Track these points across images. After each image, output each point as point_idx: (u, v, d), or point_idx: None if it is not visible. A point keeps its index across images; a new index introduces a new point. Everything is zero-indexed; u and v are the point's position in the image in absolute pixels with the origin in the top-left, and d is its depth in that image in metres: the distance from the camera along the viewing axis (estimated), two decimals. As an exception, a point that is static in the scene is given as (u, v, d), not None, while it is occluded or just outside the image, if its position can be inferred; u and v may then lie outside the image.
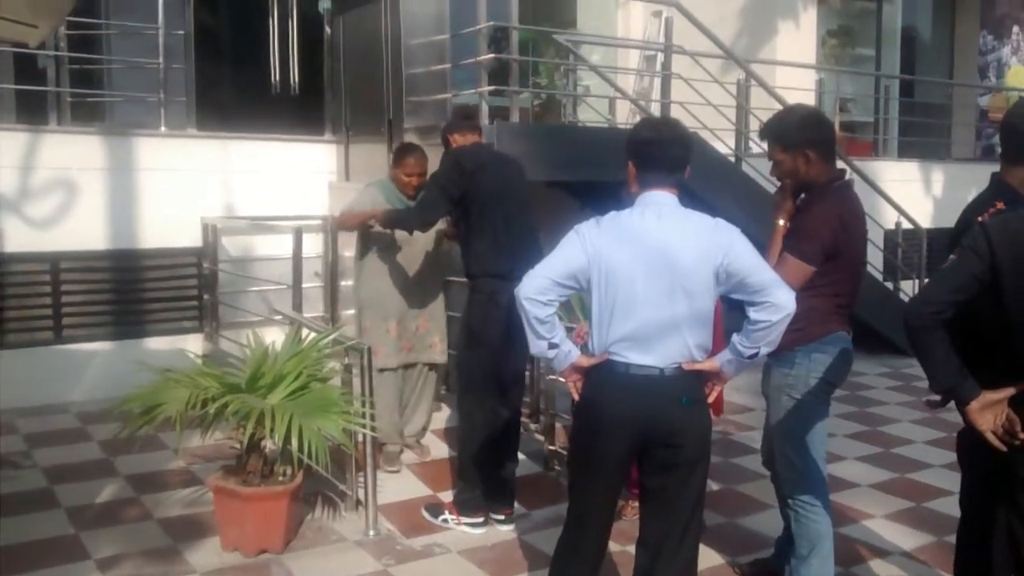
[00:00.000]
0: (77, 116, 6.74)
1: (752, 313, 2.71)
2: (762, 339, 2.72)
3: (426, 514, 4.38)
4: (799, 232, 3.28)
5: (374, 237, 4.91)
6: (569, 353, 2.85)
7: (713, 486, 4.79)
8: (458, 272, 4.81)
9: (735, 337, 2.78)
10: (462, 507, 4.29)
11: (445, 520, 4.30)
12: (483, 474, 4.29)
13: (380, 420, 4.74)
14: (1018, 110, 3.05)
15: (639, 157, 2.87)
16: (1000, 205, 2.97)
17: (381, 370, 4.83)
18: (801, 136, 3.30)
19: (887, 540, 4.30)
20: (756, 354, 2.77)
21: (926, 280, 8.11)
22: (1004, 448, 2.58)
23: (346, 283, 7.15)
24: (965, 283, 2.58)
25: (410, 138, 6.38)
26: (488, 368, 4.27)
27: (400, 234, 4.80)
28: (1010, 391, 2.58)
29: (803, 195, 3.42)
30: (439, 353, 5.12)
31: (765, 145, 3.44)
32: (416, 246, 4.95)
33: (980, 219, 2.73)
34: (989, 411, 2.59)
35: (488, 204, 4.23)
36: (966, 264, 2.58)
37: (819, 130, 3.35)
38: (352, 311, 6.97)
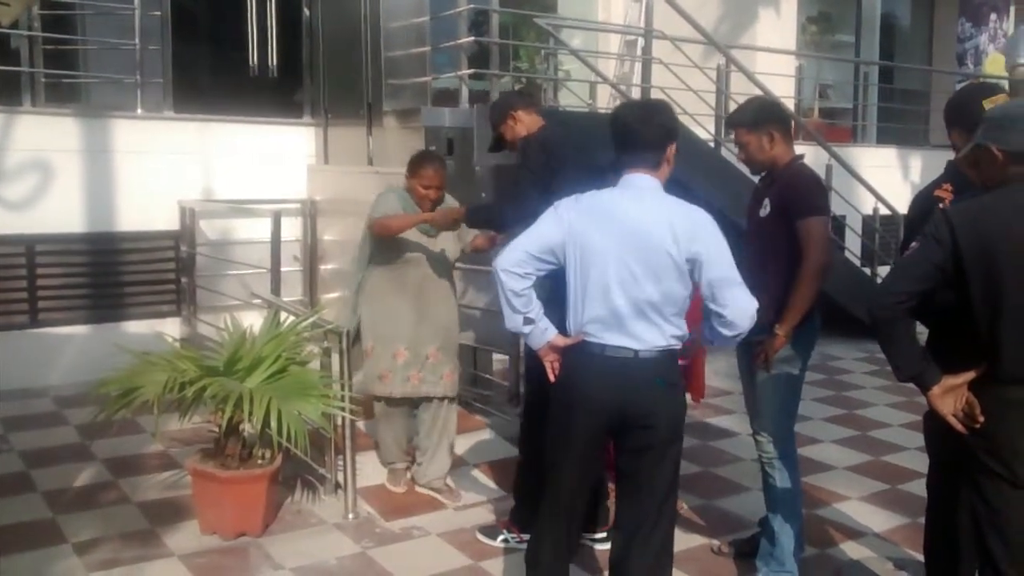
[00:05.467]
0: (52, 97, 6.65)
1: (715, 323, 2.80)
2: (727, 342, 2.84)
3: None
4: (803, 195, 3.46)
5: (389, 247, 4.31)
6: (545, 331, 2.87)
7: (690, 468, 4.82)
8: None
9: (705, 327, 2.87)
10: (524, 523, 3.79)
11: (506, 540, 3.93)
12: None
13: (382, 444, 4.57)
14: (958, 93, 3.22)
15: (616, 139, 2.89)
16: (947, 187, 3.04)
17: (385, 400, 4.43)
18: (764, 116, 3.59)
19: (861, 522, 4.35)
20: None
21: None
22: (964, 431, 2.64)
23: (325, 267, 7.14)
24: (928, 272, 2.61)
25: (389, 121, 6.35)
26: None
27: (417, 248, 4.31)
28: (970, 375, 2.63)
29: (771, 178, 3.62)
30: (451, 384, 4.46)
31: (738, 129, 3.63)
32: (433, 263, 4.37)
33: (941, 206, 2.78)
34: (950, 395, 2.65)
35: None
36: (929, 253, 2.61)
37: (778, 111, 3.73)
38: (333, 295, 6.99)
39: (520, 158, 3.91)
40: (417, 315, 4.35)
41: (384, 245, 4.31)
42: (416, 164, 4.32)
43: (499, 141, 4.11)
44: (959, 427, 2.64)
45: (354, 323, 4.43)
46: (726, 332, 2.79)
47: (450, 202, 4.41)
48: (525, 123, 3.96)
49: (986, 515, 2.69)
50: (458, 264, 4.64)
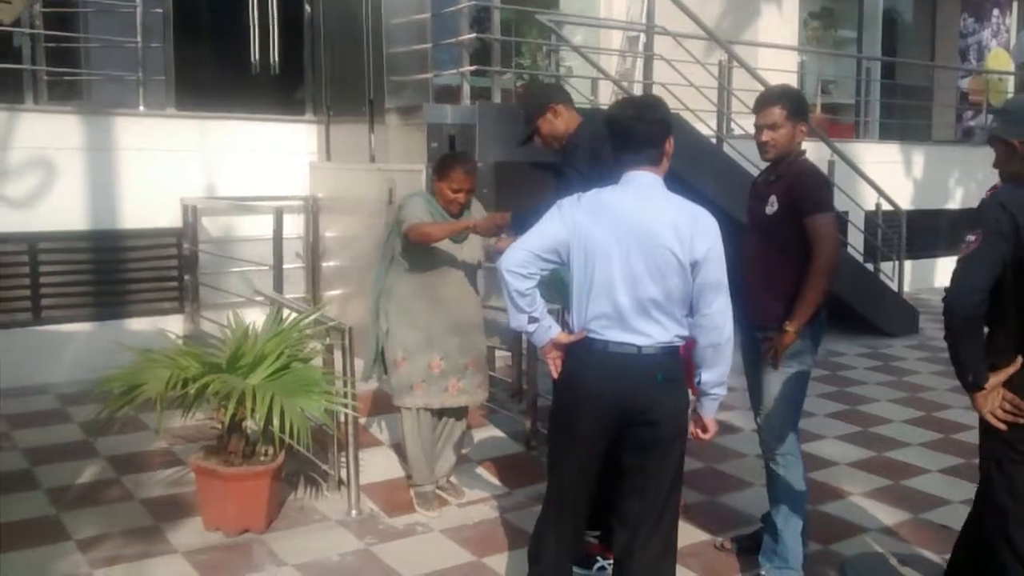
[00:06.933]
0: (54, 95, 6.66)
1: (693, 329, 2.80)
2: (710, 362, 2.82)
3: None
4: (811, 192, 3.46)
5: (420, 253, 4.12)
6: (549, 328, 2.87)
7: (693, 464, 4.82)
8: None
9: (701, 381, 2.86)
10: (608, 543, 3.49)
11: (602, 568, 3.63)
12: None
13: (413, 461, 4.30)
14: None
15: (612, 136, 2.89)
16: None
17: (418, 409, 4.22)
18: (804, 109, 3.59)
19: (865, 517, 4.35)
20: (722, 383, 2.85)
21: (912, 264, 8.17)
22: (1004, 428, 2.67)
23: (327, 263, 7.15)
24: (996, 266, 2.61)
25: (391, 118, 6.35)
26: None
27: (448, 255, 4.17)
28: (1011, 370, 2.66)
29: (775, 173, 3.61)
30: (484, 392, 4.42)
31: (777, 110, 3.50)
32: (463, 269, 4.23)
33: (986, 196, 2.78)
34: (992, 394, 2.67)
35: None
36: (994, 246, 2.60)
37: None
38: (336, 291, 6.99)
39: (566, 157, 3.78)
40: (450, 324, 4.19)
41: (416, 251, 4.13)
42: (444, 166, 4.11)
43: (531, 135, 3.95)
44: (999, 424, 2.67)
45: (380, 331, 4.24)
46: (699, 339, 2.79)
47: (475, 206, 4.29)
48: (564, 118, 3.82)
49: (1015, 508, 2.71)
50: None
